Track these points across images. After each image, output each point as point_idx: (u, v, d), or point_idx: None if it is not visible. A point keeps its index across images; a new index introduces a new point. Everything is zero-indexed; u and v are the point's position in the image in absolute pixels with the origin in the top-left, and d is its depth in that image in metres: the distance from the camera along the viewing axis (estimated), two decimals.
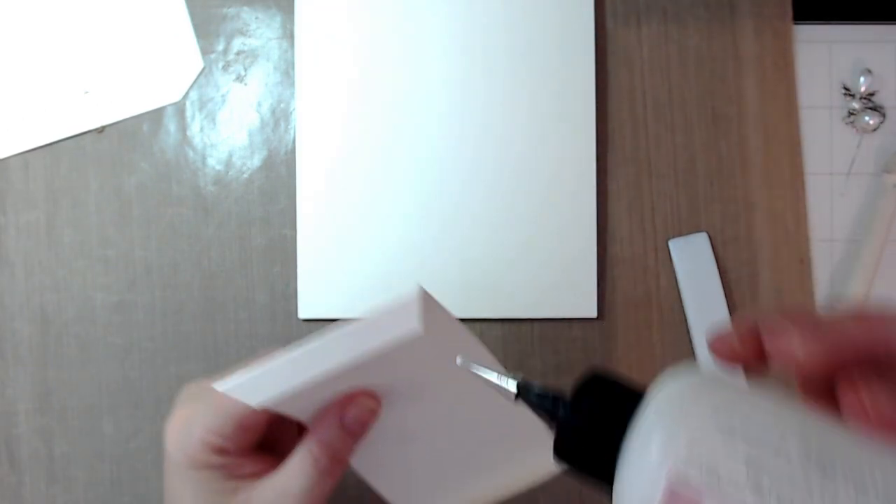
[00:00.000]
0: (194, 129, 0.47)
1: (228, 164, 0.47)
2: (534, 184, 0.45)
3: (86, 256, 0.46)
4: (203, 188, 0.46)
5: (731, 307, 0.46)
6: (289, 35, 0.47)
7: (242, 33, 0.47)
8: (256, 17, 0.47)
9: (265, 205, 0.46)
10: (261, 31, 0.47)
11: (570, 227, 0.45)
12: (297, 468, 0.32)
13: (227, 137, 0.47)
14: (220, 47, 0.47)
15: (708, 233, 0.46)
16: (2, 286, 0.46)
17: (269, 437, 0.34)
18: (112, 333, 0.45)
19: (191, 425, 0.32)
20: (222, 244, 0.46)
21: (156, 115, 0.47)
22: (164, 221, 0.46)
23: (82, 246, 0.46)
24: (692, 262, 0.46)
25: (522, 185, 0.45)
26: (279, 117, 0.47)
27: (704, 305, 0.45)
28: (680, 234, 0.46)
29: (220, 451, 0.31)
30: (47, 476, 0.45)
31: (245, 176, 0.47)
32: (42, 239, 0.46)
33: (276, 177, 0.46)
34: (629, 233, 0.46)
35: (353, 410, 0.32)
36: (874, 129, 0.47)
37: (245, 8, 0.47)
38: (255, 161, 0.47)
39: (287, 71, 0.47)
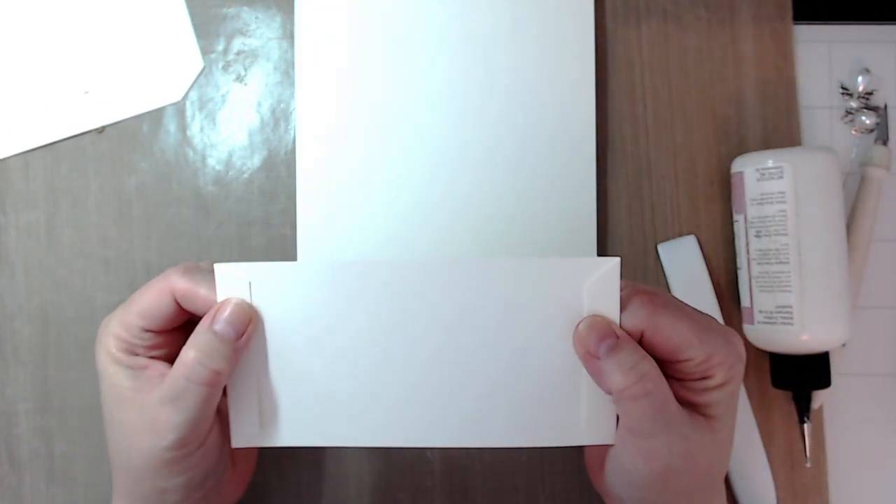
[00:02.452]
0: (194, 129, 0.47)
1: (228, 164, 0.47)
2: (533, 184, 0.45)
3: (86, 256, 0.46)
4: (203, 188, 0.46)
5: (724, 308, 0.46)
6: (289, 35, 0.47)
7: (242, 33, 0.47)
8: (256, 17, 0.47)
9: (265, 205, 0.46)
10: (261, 31, 0.47)
11: (570, 228, 0.45)
12: (171, 376, 0.31)
13: (227, 137, 0.47)
14: (220, 47, 0.47)
15: (696, 235, 0.46)
16: (2, 286, 0.46)
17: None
18: None
19: (108, 322, 0.33)
20: (222, 244, 0.46)
21: (156, 115, 0.47)
22: (164, 221, 0.46)
23: (82, 246, 0.46)
24: (682, 265, 0.46)
25: (522, 186, 0.45)
26: (279, 117, 0.47)
27: (697, 307, 0.45)
28: (680, 235, 0.46)
29: (129, 349, 0.33)
30: (47, 476, 0.45)
31: (245, 176, 0.47)
32: (42, 239, 0.46)
33: (276, 177, 0.46)
34: (629, 233, 0.46)
35: (222, 313, 0.31)
36: (871, 129, 0.47)
37: (245, 8, 0.47)
38: (255, 161, 0.47)
39: (287, 71, 0.47)
